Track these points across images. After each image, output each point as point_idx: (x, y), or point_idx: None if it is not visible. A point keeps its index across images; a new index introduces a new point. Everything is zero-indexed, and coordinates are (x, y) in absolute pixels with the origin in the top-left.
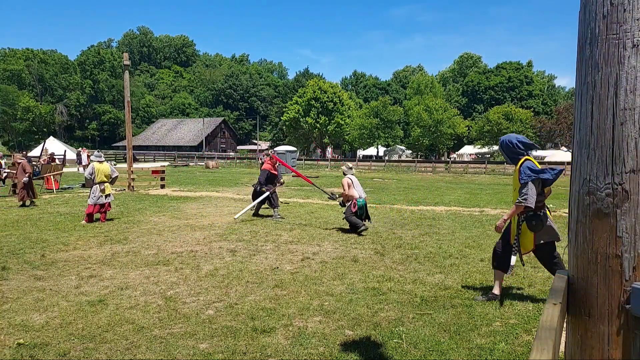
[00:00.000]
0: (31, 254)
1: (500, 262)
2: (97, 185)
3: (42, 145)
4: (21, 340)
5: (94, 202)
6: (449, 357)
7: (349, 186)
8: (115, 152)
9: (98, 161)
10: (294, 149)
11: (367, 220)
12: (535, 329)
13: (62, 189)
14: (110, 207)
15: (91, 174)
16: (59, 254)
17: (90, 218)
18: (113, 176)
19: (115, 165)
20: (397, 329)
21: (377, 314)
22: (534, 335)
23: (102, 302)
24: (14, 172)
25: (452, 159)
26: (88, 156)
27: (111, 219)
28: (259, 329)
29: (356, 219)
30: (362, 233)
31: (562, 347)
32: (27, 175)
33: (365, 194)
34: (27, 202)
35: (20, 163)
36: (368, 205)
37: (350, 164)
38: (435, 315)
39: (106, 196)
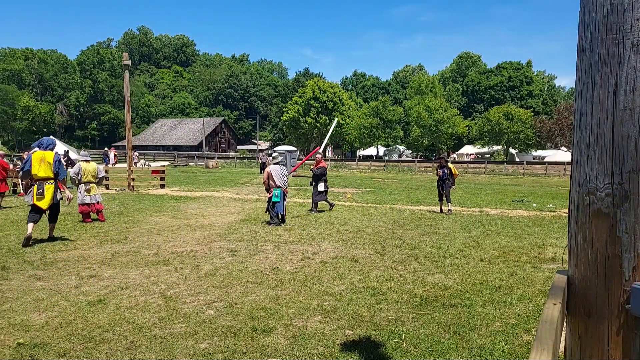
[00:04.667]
0: (31, 253)
1: None
2: (83, 185)
3: None
4: (21, 340)
5: (80, 201)
6: (449, 357)
7: (268, 176)
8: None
9: (85, 160)
10: (294, 148)
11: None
12: (535, 329)
13: None
14: (102, 205)
15: (77, 174)
16: (59, 254)
17: (87, 217)
18: (99, 176)
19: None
20: (397, 329)
21: (377, 314)
22: (534, 335)
23: (102, 302)
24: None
25: (452, 159)
26: (115, 155)
27: (97, 219)
28: (259, 329)
29: (272, 212)
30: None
31: (562, 347)
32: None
33: (284, 185)
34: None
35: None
36: (369, 205)
37: (276, 154)
38: (435, 315)
39: (91, 196)
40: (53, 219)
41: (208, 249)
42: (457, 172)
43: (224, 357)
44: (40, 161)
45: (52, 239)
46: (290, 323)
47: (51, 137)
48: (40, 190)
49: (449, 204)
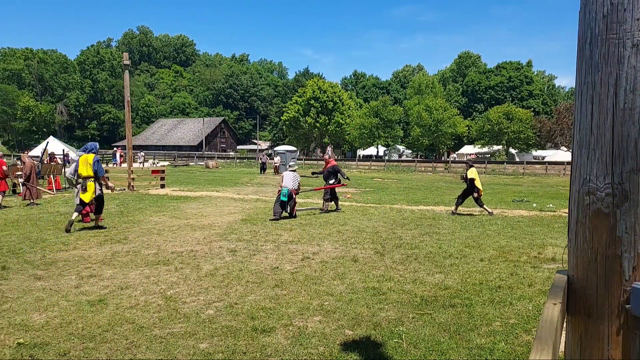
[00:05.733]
0: (31, 253)
1: None
2: (80, 184)
3: (45, 145)
4: (21, 340)
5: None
6: (449, 357)
7: (281, 178)
8: (122, 153)
9: None
10: (294, 148)
11: (286, 212)
12: (535, 329)
13: (63, 188)
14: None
15: (73, 174)
16: (59, 254)
17: (86, 217)
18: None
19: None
20: (397, 329)
21: (377, 313)
22: (534, 335)
23: (102, 302)
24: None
25: (452, 159)
26: (121, 156)
27: (95, 220)
28: (259, 329)
29: (276, 208)
30: (273, 221)
31: (562, 347)
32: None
33: (291, 186)
34: (28, 202)
35: (24, 163)
36: (369, 205)
37: (293, 162)
38: (435, 315)
39: None
40: (98, 210)
41: (208, 249)
42: (478, 182)
43: (224, 357)
44: (84, 163)
45: (98, 227)
46: (290, 323)
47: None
48: (84, 187)
49: (456, 206)
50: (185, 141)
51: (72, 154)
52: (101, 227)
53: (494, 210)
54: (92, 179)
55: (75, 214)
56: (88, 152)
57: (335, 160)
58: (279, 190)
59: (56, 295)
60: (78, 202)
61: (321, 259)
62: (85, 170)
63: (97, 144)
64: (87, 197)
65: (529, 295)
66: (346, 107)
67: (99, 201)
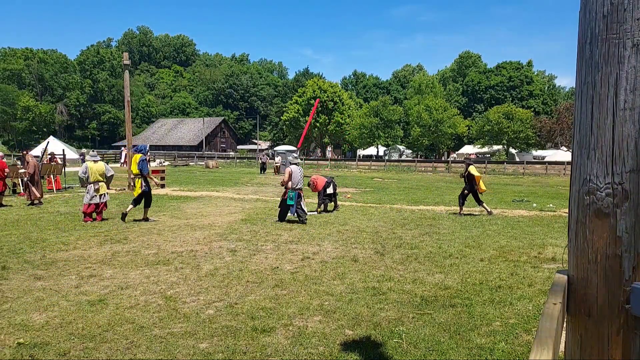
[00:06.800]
0: (31, 253)
1: None
2: (92, 184)
3: (45, 145)
4: (21, 340)
5: (88, 201)
6: (449, 357)
7: (289, 175)
8: (115, 152)
9: (92, 160)
10: (294, 148)
11: (298, 212)
12: (535, 329)
13: (63, 188)
14: (106, 206)
15: (84, 173)
16: (59, 254)
17: (87, 217)
18: (108, 175)
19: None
20: (397, 329)
21: (377, 313)
22: (534, 335)
23: (102, 302)
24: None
25: (452, 159)
26: (126, 155)
27: (106, 219)
28: (259, 329)
29: (282, 212)
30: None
31: (562, 347)
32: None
33: (300, 186)
34: (29, 202)
35: (28, 162)
36: (369, 205)
37: (296, 155)
38: (435, 315)
39: (100, 196)
40: (147, 204)
41: (208, 249)
42: (479, 178)
43: (224, 357)
44: (134, 161)
45: (145, 220)
46: (290, 323)
47: (145, 144)
48: (133, 183)
49: (460, 207)
50: (185, 141)
51: (74, 154)
52: (147, 219)
53: (494, 210)
54: (139, 177)
55: (130, 206)
56: (137, 152)
57: (335, 159)
58: (285, 192)
59: (56, 295)
60: (89, 202)
61: (321, 259)
62: (134, 168)
63: (147, 145)
64: (135, 192)
65: (529, 295)
66: (346, 107)
67: (146, 197)
